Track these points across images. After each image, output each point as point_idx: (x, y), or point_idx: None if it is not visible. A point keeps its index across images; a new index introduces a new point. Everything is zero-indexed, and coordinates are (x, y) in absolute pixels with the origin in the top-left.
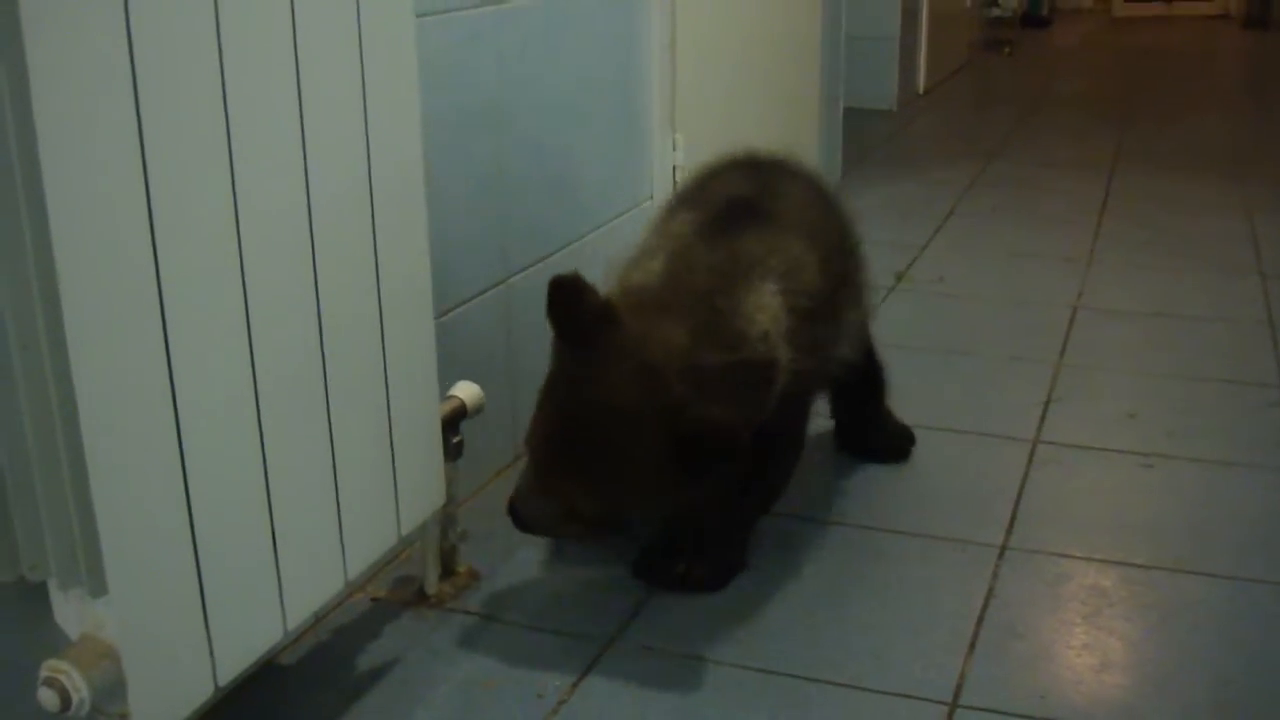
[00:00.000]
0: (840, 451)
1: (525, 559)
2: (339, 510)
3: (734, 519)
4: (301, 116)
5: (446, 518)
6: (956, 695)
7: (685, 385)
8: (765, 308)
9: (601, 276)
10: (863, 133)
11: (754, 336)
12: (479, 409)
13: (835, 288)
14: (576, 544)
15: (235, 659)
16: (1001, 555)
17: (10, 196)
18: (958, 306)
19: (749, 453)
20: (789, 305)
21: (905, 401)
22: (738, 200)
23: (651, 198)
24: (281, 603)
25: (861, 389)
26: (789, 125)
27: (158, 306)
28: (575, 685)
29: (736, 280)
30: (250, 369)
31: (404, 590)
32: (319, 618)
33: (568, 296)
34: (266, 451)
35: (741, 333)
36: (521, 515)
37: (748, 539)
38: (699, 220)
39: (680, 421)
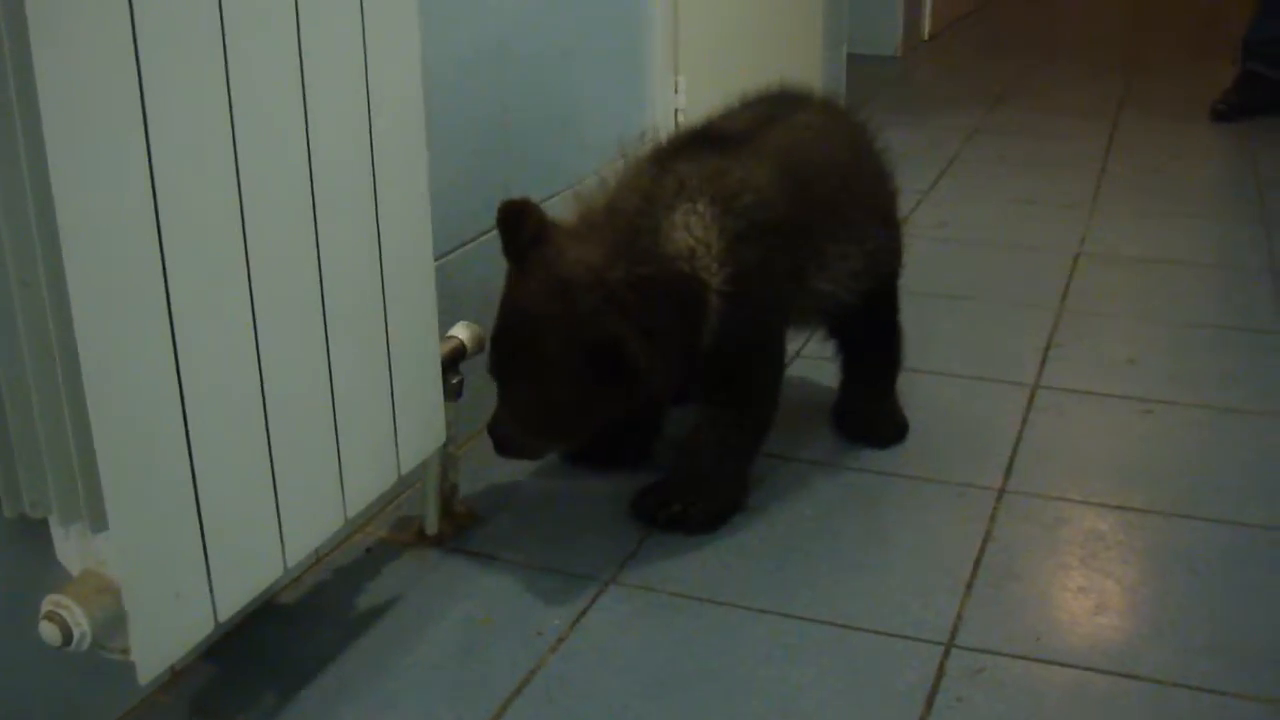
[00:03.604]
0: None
1: (525, 499)
2: (339, 448)
3: (727, 457)
4: (300, 55)
5: (447, 457)
6: (952, 636)
7: (593, 296)
8: (688, 226)
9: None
10: (866, 78)
11: (672, 254)
12: (479, 349)
13: (815, 217)
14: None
15: (236, 595)
16: (999, 499)
17: (9, 127)
18: (960, 252)
19: (666, 369)
20: (722, 226)
21: (907, 346)
22: (693, 127)
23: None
24: (282, 540)
25: (874, 358)
26: (792, 69)
27: (157, 246)
28: (574, 624)
29: (660, 200)
30: (250, 307)
31: (404, 530)
32: (319, 557)
33: (511, 219)
34: (266, 389)
35: (654, 249)
36: (497, 441)
37: (745, 480)
38: (653, 148)
39: (580, 329)
